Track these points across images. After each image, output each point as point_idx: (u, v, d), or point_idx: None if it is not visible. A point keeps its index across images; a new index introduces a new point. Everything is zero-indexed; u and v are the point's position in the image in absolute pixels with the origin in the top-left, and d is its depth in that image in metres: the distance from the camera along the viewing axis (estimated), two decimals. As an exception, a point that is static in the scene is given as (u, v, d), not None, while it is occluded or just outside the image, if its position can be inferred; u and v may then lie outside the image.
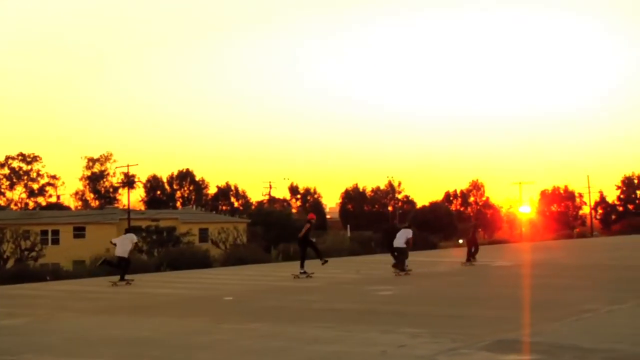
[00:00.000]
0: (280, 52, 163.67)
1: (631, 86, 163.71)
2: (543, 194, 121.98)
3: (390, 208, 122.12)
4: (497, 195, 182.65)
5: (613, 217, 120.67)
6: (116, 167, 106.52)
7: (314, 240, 23.11)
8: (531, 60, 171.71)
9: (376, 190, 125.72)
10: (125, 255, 21.40)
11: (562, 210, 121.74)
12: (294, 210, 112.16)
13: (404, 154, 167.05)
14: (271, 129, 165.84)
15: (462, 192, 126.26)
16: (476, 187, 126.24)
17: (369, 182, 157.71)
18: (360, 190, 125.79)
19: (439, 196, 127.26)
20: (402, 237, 23.16)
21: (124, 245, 21.47)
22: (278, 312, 13.95)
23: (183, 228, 62.74)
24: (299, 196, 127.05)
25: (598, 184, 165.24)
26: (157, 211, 73.45)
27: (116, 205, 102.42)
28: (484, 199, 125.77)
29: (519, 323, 11.57)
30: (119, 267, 21.62)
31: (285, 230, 59.53)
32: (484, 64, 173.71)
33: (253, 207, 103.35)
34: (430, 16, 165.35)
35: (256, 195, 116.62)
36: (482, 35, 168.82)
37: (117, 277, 21.58)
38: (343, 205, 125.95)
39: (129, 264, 21.91)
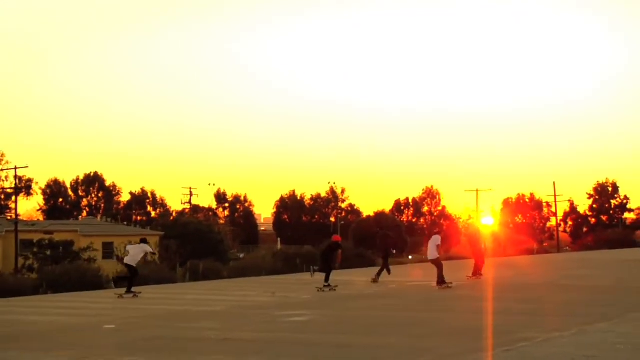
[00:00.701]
0: (206, 43, 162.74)
1: (605, 86, 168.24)
2: (506, 203, 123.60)
3: (332, 219, 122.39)
4: (455, 204, 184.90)
5: (584, 229, 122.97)
6: (1, 170, 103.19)
7: (336, 266, 25.70)
8: (492, 56, 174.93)
9: (316, 198, 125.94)
10: (134, 264, 23.71)
11: (528, 222, 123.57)
12: (221, 221, 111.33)
13: (349, 157, 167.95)
14: (195, 127, 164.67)
15: (414, 200, 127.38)
16: (431, 195, 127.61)
17: (308, 189, 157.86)
18: (298, 198, 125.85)
19: (388, 205, 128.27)
20: (433, 248, 24.91)
21: (135, 254, 23.85)
22: (163, 343, 13.53)
23: (83, 242, 61.43)
24: (226, 205, 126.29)
25: (568, 192, 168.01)
26: (51, 222, 71.66)
27: (7, 215, 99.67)
28: (439, 208, 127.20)
29: (437, 354, 11.48)
30: (127, 278, 24.00)
31: (205, 244, 58.82)
32: (438, 59, 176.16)
33: (172, 217, 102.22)
34: (379, 7, 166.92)
35: (177, 204, 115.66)
36: (437, 29, 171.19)
37: (122, 290, 23.61)
38: (278, 215, 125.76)
39: (137, 274, 24.29)
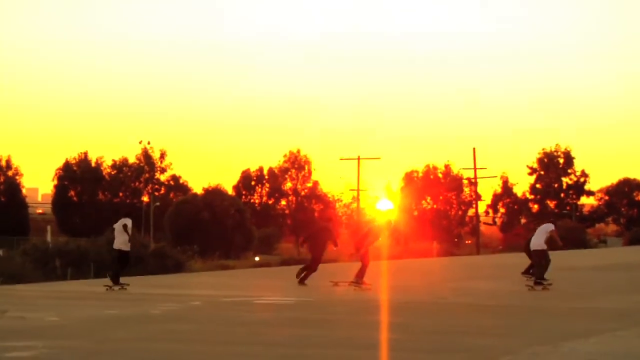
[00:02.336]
0: None
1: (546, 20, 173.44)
2: (409, 178, 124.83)
3: (145, 197, 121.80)
4: (332, 180, 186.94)
5: (522, 220, 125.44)
6: None
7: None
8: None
9: (121, 166, 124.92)
10: (126, 247, 28.67)
11: (442, 208, 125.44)
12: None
13: (170, 104, 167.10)
14: None
15: (272, 171, 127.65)
16: (297, 164, 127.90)
17: (109, 152, 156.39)
18: (93, 164, 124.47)
19: (231, 178, 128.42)
20: (541, 236, 30.39)
21: (121, 233, 28.49)
22: None
23: None
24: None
25: (501, 165, 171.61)
26: None
27: None
28: (309, 184, 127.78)
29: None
30: (120, 266, 29.14)
31: None
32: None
33: None
34: None
35: None
36: None
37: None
38: (60, 191, 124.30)
39: (128, 261, 29.65)
